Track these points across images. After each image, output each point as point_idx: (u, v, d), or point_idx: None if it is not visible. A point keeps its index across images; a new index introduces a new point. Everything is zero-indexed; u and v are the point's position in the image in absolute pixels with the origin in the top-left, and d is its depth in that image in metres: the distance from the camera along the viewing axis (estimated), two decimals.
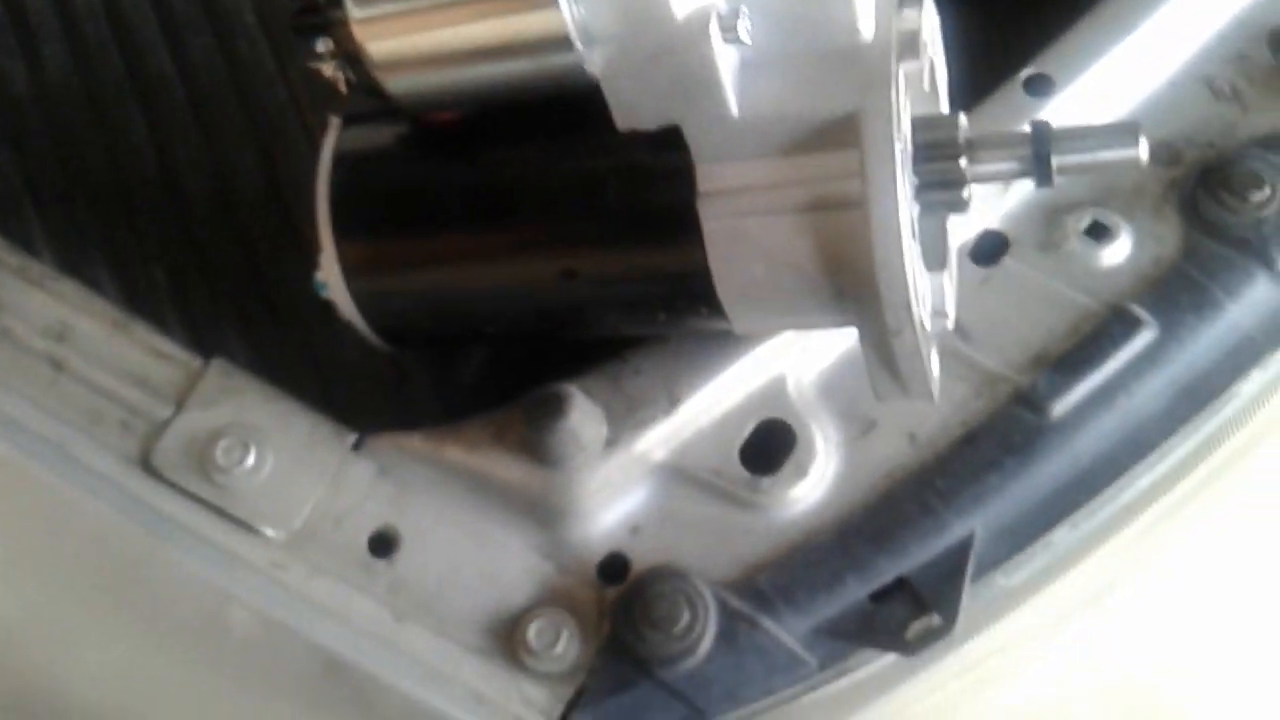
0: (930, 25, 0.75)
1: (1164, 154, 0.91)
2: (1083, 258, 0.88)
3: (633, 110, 0.68)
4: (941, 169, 0.72)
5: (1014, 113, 0.89)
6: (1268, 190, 0.86)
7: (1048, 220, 0.89)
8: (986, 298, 0.87)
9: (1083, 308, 0.86)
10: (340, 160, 0.78)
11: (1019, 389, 0.84)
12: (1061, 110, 0.90)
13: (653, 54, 0.65)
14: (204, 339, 0.94)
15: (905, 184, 0.66)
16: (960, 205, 0.74)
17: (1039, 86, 0.90)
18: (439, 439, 0.84)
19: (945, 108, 0.81)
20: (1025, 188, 0.90)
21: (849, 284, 0.70)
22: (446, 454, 0.83)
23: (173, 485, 0.82)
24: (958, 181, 0.72)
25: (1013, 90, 0.90)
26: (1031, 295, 0.87)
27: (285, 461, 0.83)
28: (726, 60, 0.66)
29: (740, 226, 0.70)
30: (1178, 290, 0.86)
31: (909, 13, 0.71)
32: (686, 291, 0.74)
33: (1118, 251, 0.88)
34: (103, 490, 0.82)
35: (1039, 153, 0.71)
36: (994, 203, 0.90)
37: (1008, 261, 0.88)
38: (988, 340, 0.86)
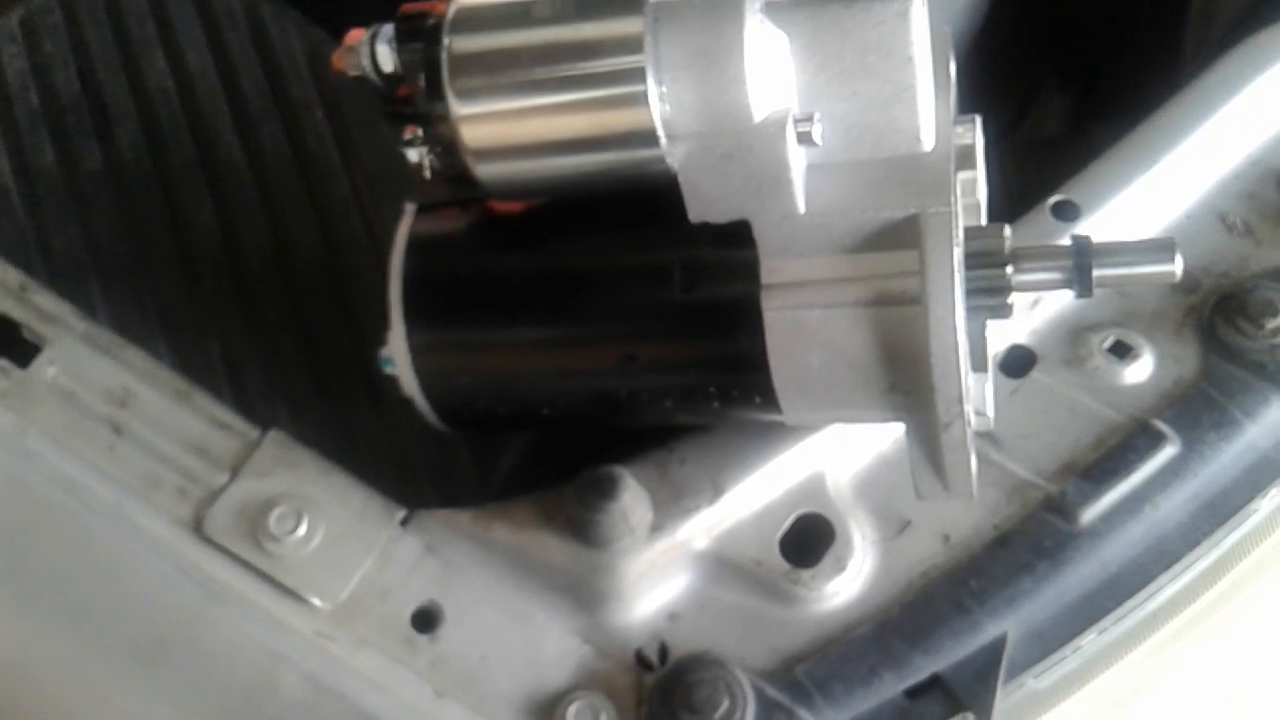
0: (979, 142, 0.81)
1: (1183, 281, 0.95)
2: (1107, 374, 0.92)
3: (707, 203, 0.73)
4: (988, 276, 0.76)
5: (1042, 234, 0.95)
6: None
7: (1073, 338, 0.94)
8: (1016, 408, 0.91)
9: (1108, 421, 0.90)
10: (414, 243, 0.82)
11: (1049, 496, 0.87)
12: (1086, 234, 0.95)
13: (730, 151, 0.70)
14: (256, 414, 0.96)
15: (961, 284, 0.70)
16: (1004, 311, 0.78)
17: (1066, 211, 0.96)
18: (487, 517, 0.86)
19: (985, 221, 0.86)
20: (1052, 305, 0.95)
21: (903, 377, 0.74)
22: (493, 532, 0.85)
23: (224, 551, 0.84)
24: (1003, 288, 0.77)
25: (1041, 214, 0.96)
26: (1059, 407, 0.91)
27: (335, 533, 0.85)
28: (798, 161, 0.71)
29: (800, 318, 0.74)
30: (1198, 409, 0.90)
31: (964, 127, 0.76)
32: (743, 381, 0.77)
33: (1140, 370, 0.92)
34: (156, 552, 0.84)
35: (1080, 264, 0.76)
36: (1022, 319, 0.94)
37: (1036, 375, 0.93)
38: (1019, 448, 0.89)
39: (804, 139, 0.70)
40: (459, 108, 0.73)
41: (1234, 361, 0.92)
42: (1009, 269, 0.76)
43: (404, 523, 0.86)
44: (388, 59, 0.76)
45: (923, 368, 0.71)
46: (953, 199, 0.70)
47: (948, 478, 0.77)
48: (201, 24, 1.07)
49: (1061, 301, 0.95)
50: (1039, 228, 0.95)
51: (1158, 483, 0.87)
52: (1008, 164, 1.28)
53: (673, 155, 0.71)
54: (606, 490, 0.81)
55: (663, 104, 0.70)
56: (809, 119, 0.70)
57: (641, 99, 0.70)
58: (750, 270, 0.74)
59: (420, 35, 0.74)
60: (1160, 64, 1.30)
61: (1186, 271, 0.96)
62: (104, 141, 1.04)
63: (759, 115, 0.69)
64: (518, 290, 0.81)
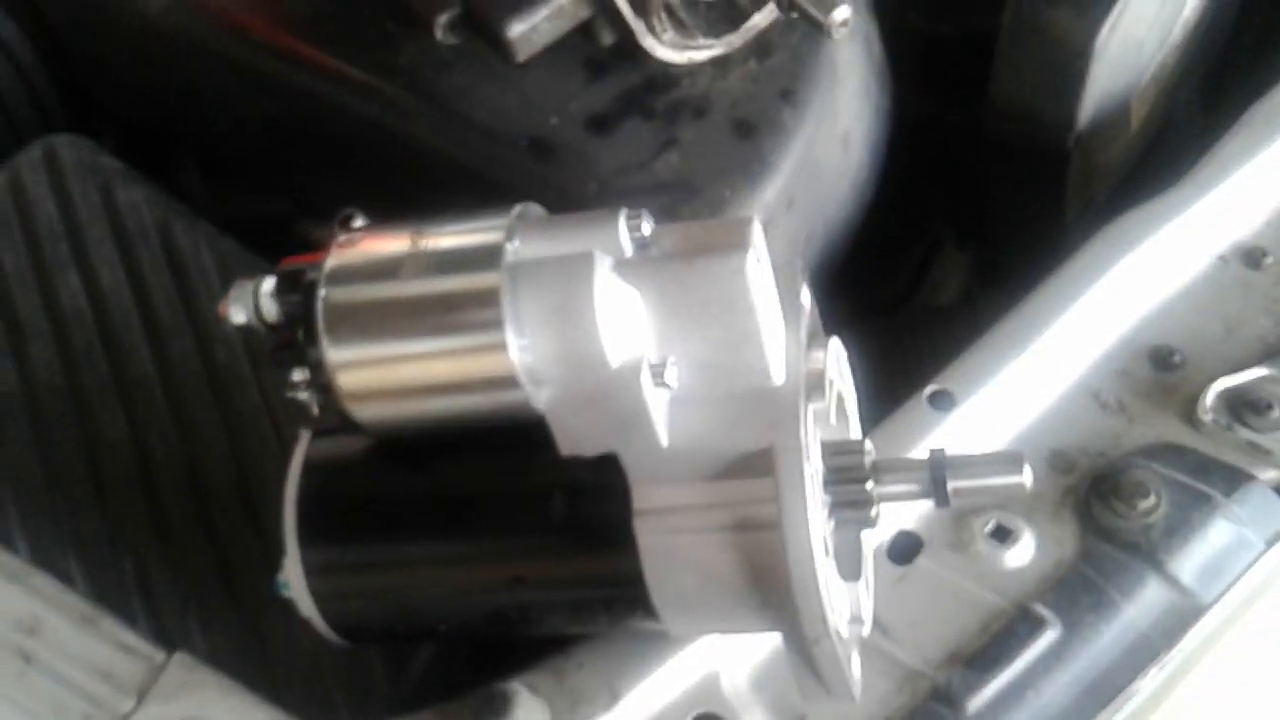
0: (836, 360, 0.85)
1: (1059, 462, 1.00)
2: (989, 558, 0.95)
3: (575, 440, 0.76)
4: (850, 491, 0.80)
5: (920, 425, 0.99)
6: (1153, 499, 0.95)
7: (956, 522, 0.97)
8: (904, 595, 0.94)
9: (992, 606, 0.93)
10: (307, 470, 0.85)
11: (936, 686, 0.89)
12: (963, 421, 1.00)
13: (591, 395, 0.74)
14: (167, 629, 0.98)
15: (817, 507, 0.74)
16: (869, 522, 0.82)
17: (941, 401, 1.00)
18: None
19: (856, 427, 0.90)
20: None
21: (771, 596, 0.77)
22: None
23: None
24: (865, 502, 0.80)
25: (918, 404, 1.00)
26: (945, 593, 0.94)
27: None
28: (657, 401, 0.75)
29: (672, 542, 0.77)
30: (1077, 591, 0.93)
31: (816, 354, 0.80)
32: (625, 597, 0.80)
33: (1021, 553, 0.95)
34: None
35: (936, 478, 0.80)
36: (908, 505, 0.98)
37: (921, 561, 0.96)
38: (907, 637, 0.92)
39: (659, 382, 0.74)
40: (334, 355, 0.77)
41: (1110, 542, 0.95)
42: (869, 484, 0.80)
43: None
44: (270, 309, 0.80)
45: (786, 590, 0.74)
46: (802, 430, 0.74)
47: (826, 685, 0.80)
48: (114, 242, 1.12)
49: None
50: (916, 418, 1.00)
51: (1040, 668, 0.90)
52: (903, 334, 1.34)
53: (537, 399, 0.75)
54: (499, 709, 0.84)
55: (523, 354, 0.74)
56: (663, 363, 0.74)
57: (503, 350, 0.74)
58: (624, 496, 0.78)
59: (298, 287, 0.79)
60: (1045, 223, 1.36)
61: (1062, 452, 1.01)
62: (19, 361, 1.07)
63: (615, 363, 0.73)
64: (407, 514, 0.84)
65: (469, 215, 0.79)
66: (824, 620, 0.75)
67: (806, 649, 0.77)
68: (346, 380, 0.77)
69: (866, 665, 0.88)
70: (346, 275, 0.78)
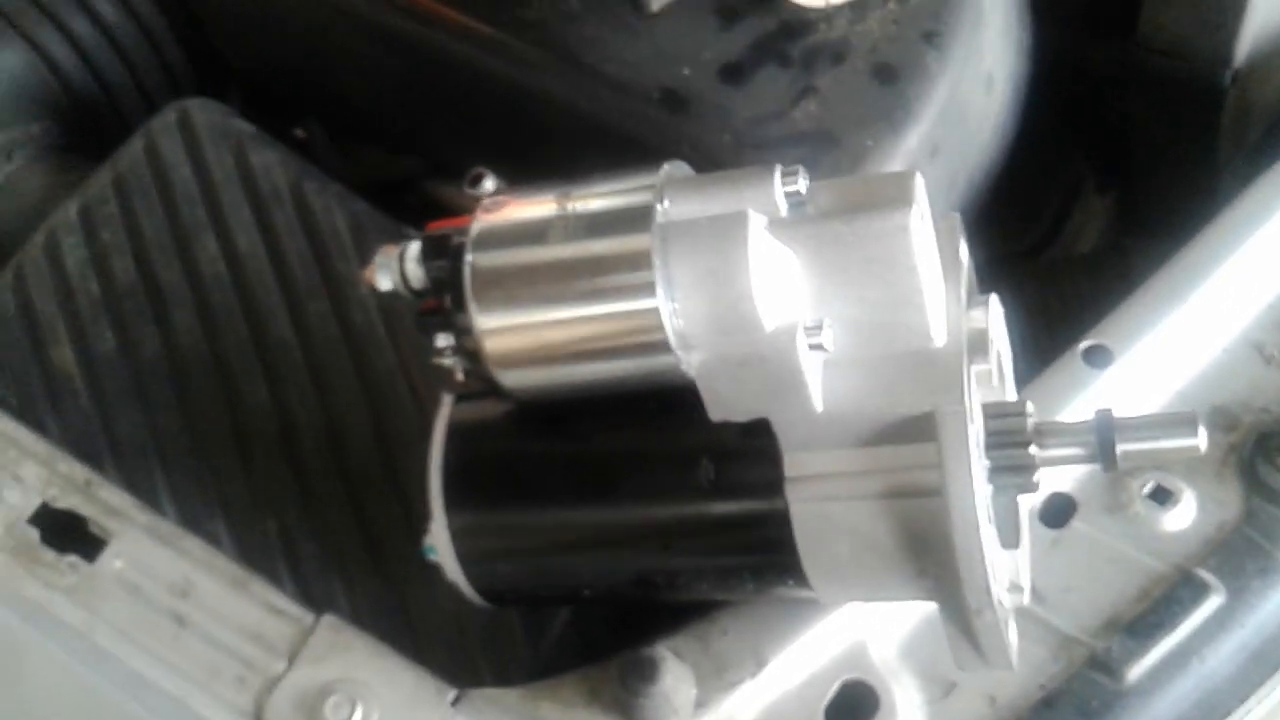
0: (996, 320, 0.82)
1: (1221, 420, 0.96)
2: (1148, 521, 0.91)
3: (725, 405, 0.75)
4: (1012, 455, 0.77)
5: (1074, 382, 0.95)
6: None
7: (1113, 484, 0.94)
8: (1057, 560, 0.91)
9: (1151, 571, 0.89)
10: (451, 435, 0.85)
11: (1094, 654, 0.87)
12: (1119, 379, 0.96)
13: (744, 359, 0.72)
14: (312, 590, 0.99)
15: (980, 475, 0.71)
16: (1030, 487, 0.79)
17: (1097, 357, 0.96)
18: (534, 696, 0.88)
19: (1012, 388, 0.87)
20: None
21: (930, 564, 0.74)
22: (541, 711, 0.87)
23: None
24: (1028, 467, 0.77)
25: (1073, 360, 0.96)
26: (1101, 558, 0.91)
27: (389, 717, 0.87)
28: (811, 365, 0.72)
29: (825, 510, 0.75)
30: (1242, 555, 0.89)
31: (976, 313, 0.77)
32: (774, 565, 0.79)
33: (1182, 516, 0.91)
34: None
35: (1103, 441, 0.76)
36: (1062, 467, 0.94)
37: (1076, 524, 0.92)
38: (1061, 603, 0.89)
39: (815, 346, 0.71)
40: (482, 321, 0.76)
41: (1276, 503, 0.91)
42: (1033, 448, 0.77)
43: (454, 703, 0.88)
44: (416, 275, 0.79)
45: (948, 558, 0.72)
46: (966, 394, 0.71)
47: (984, 654, 0.78)
48: (249, 205, 1.12)
49: None
50: (1070, 374, 0.96)
51: (1204, 635, 0.87)
52: (1045, 284, 1.29)
53: (688, 364, 0.73)
54: (648, 674, 0.83)
55: (675, 318, 0.72)
56: (819, 326, 0.71)
57: (654, 314, 0.72)
58: (775, 461, 0.76)
59: (445, 253, 0.78)
60: (1196, 166, 1.30)
61: (1225, 409, 0.97)
62: (162, 327, 1.08)
63: (769, 326, 0.71)
64: (553, 478, 0.84)
65: (614, 175, 0.77)
66: (987, 590, 0.72)
67: (966, 619, 0.75)
68: (495, 346, 0.76)
69: (1020, 633, 0.85)
70: (494, 240, 0.77)
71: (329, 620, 0.91)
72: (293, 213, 1.12)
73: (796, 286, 0.73)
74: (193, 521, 1.00)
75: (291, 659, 0.90)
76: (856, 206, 0.71)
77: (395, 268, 0.79)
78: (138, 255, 1.11)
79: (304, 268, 1.09)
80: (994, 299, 0.81)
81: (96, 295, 1.10)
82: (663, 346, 0.73)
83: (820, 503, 0.75)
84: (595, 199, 0.75)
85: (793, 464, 0.75)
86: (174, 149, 1.15)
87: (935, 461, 0.71)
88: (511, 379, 0.78)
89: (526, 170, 0.85)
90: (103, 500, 0.95)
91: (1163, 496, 0.92)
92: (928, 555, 0.74)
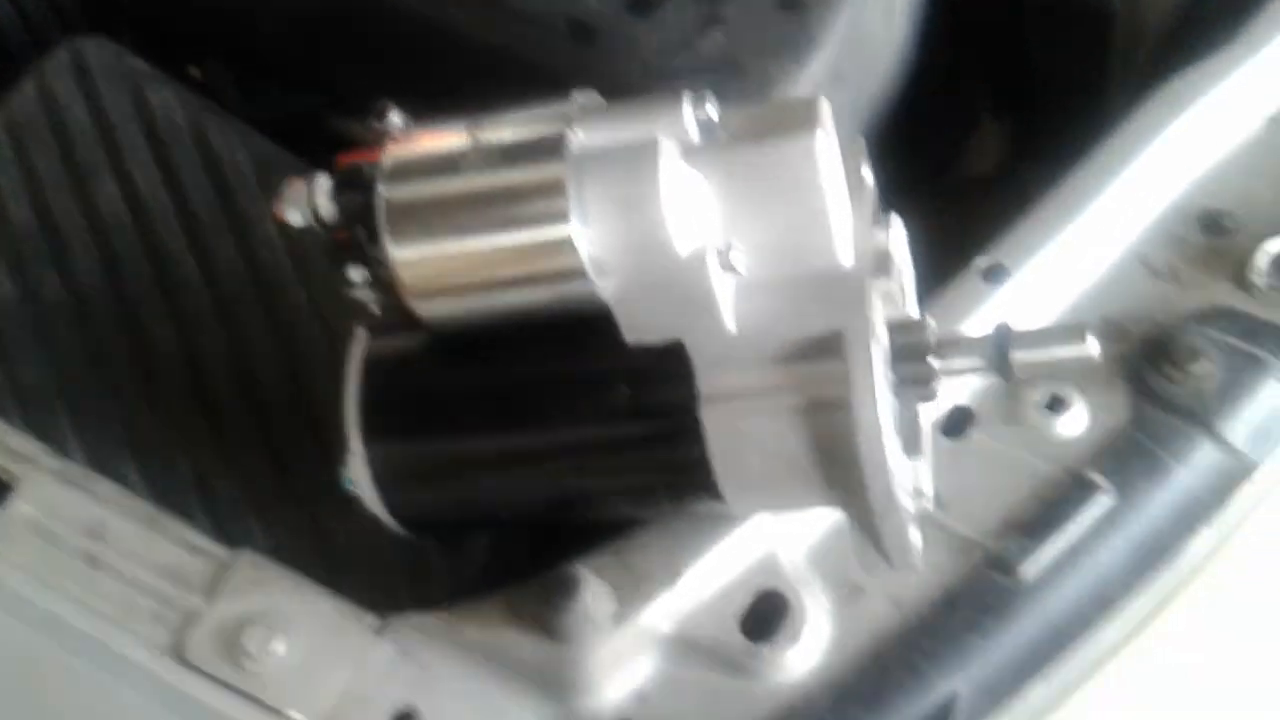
0: (898, 240, 0.84)
1: (1111, 330, 1.00)
2: (1042, 429, 0.95)
3: (640, 328, 0.76)
4: (915, 368, 0.80)
5: (973, 299, 0.98)
6: (1205, 362, 0.95)
7: (1009, 395, 0.97)
8: (958, 468, 0.95)
9: (1045, 475, 0.94)
10: (366, 366, 0.85)
11: (992, 554, 0.91)
12: (1015, 295, 0.99)
13: (657, 284, 0.74)
14: (227, 528, 1.00)
15: (885, 387, 0.74)
16: (931, 396, 0.82)
17: (994, 274, 0.99)
18: (456, 619, 0.90)
19: (915, 305, 0.90)
20: None
21: (838, 474, 0.77)
22: (464, 633, 0.89)
23: (205, 674, 0.87)
24: (929, 378, 0.81)
25: (971, 278, 0.99)
26: (998, 465, 0.94)
27: (312, 647, 0.87)
28: (723, 287, 0.74)
29: (738, 426, 0.78)
30: (1130, 457, 0.94)
31: (880, 233, 0.80)
32: (690, 481, 0.81)
33: (1074, 423, 0.96)
34: (139, 681, 0.87)
35: (1000, 352, 0.80)
36: (960, 380, 0.98)
37: (975, 434, 0.96)
38: (961, 509, 0.93)
39: (726, 268, 0.73)
40: (397, 252, 0.77)
41: (1163, 407, 0.96)
42: (933, 360, 0.80)
43: (378, 630, 0.90)
44: (327, 209, 0.79)
45: (855, 466, 0.75)
46: (870, 311, 0.74)
47: (890, 557, 0.82)
48: (149, 145, 1.10)
49: None
50: (969, 292, 0.99)
51: (1094, 533, 0.91)
52: (942, 206, 1.32)
53: (603, 289, 0.75)
54: (567, 591, 0.85)
55: (590, 245, 0.73)
56: (730, 249, 0.73)
57: (568, 242, 0.73)
58: (689, 381, 0.78)
59: (357, 186, 0.78)
60: (1089, 88, 1.34)
61: (1114, 321, 1.01)
62: (62, 270, 1.07)
63: (683, 251, 0.73)
64: (470, 406, 0.85)
65: (526, 105, 0.78)
66: (891, 495, 0.75)
67: (872, 523, 0.78)
68: (410, 277, 0.77)
69: (924, 537, 0.89)
70: (406, 171, 0.77)
71: (247, 556, 0.91)
72: (194, 151, 1.10)
73: (708, 211, 0.74)
74: (103, 465, 1.00)
75: (210, 595, 0.90)
76: (765, 131, 0.73)
77: (305, 202, 0.79)
78: (34, 199, 1.09)
79: (208, 207, 1.08)
80: (896, 219, 0.83)
81: None
82: (578, 273, 0.75)
83: (733, 419, 0.78)
84: (507, 128, 0.76)
85: (707, 382, 0.78)
86: (68, 89, 1.12)
87: (843, 377, 0.74)
88: (428, 309, 0.79)
89: (433, 105, 0.85)
90: (8, 446, 0.94)
91: (1056, 405, 0.96)
92: (836, 465, 0.77)
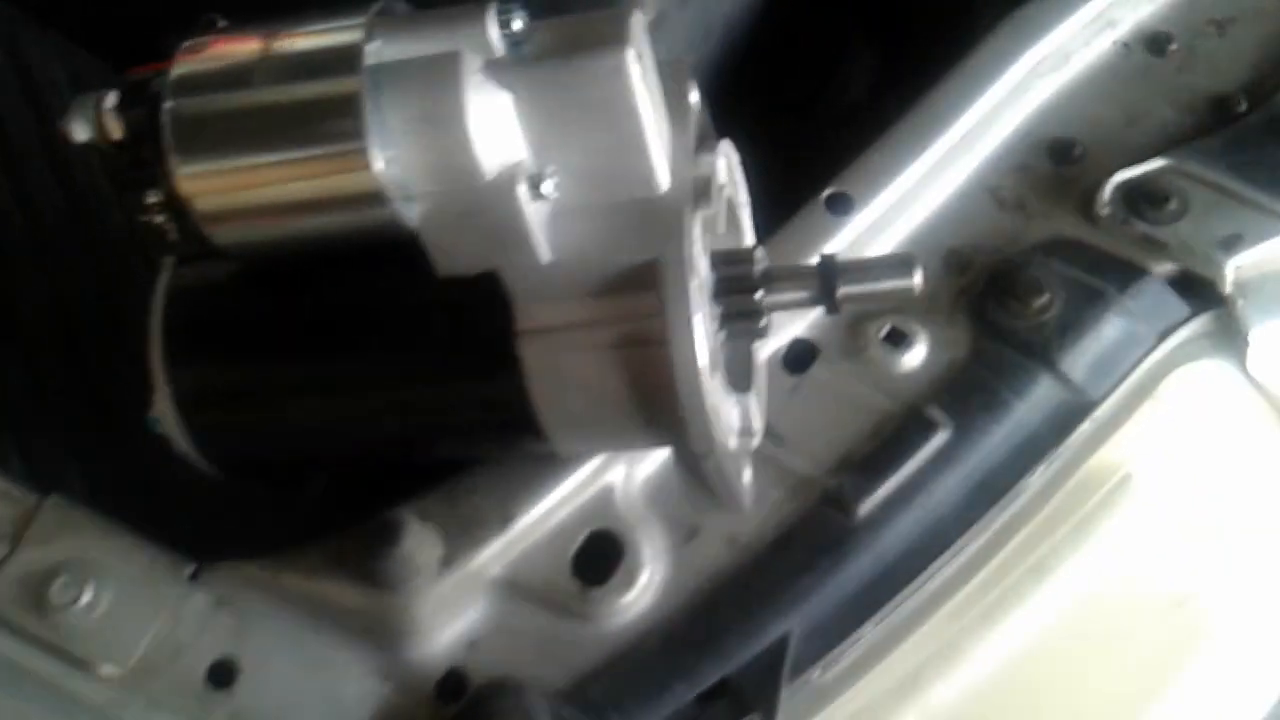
0: (728, 165, 0.81)
1: (955, 262, 0.99)
2: (883, 363, 0.94)
3: (450, 258, 0.73)
4: (740, 301, 0.78)
5: (817, 229, 0.96)
6: (1047, 296, 0.94)
7: (851, 328, 0.96)
8: (797, 404, 0.93)
9: (884, 411, 0.92)
10: (172, 299, 0.81)
11: (827, 491, 0.89)
12: (861, 224, 0.97)
13: (465, 210, 0.70)
14: (40, 469, 0.94)
15: (703, 321, 0.72)
16: (759, 333, 0.80)
17: (840, 205, 0.97)
18: (277, 566, 0.86)
19: (749, 234, 0.87)
20: None
21: (660, 413, 0.75)
22: (284, 581, 0.86)
23: (7, 625, 0.83)
24: (755, 312, 0.78)
25: (816, 209, 0.97)
26: (838, 400, 0.93)
27: (123, 596, 0.84)
28: (535, 214, 0.71)
29: (557, 361, 0.75)
30: (969, 392, 0.93)
31: (705, 159, 0.77)
32: (512, 419, 0.78)
33: (915, 356, 0.94)
34: None
35: (825, 285, 0.78)
36: (803, 314, 0.96)
37: (816, 369, 0.95)
38: (799, 445, 0.92)
39: (536, 194, 0.70)
40: (184, 171, 0.72)
41: (1004, 341, 0.95)
42: (759, 294, 0.78)
43: (193, 577, 0.86)
44: (114, 126, 0.73)
45: (673, 406, 0.72)
46: (687, 242, 0.71)
47: (717, 497, 0.80)
48: None
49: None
50: (814, 222, 0.97)
51: (930, 470, 0.90)
52: (808, 137, 1.30)
53: (407, 215, 0.71)
54: (389, 537, 0.82)
55: (389, 166, 0.69)
56: (541, 174, 0.70)
57: (365, 161, 0.69)
58: (506, 311, 0.74)
59: (143, 100, 0.73)
60: (959, 9, 1.31)
61: (959, 251, 1.00)
62: None
63: (489, 174, 0.69)
64: (281, 341, 0.81)
65: (327, 14, 0.73)
66: (710, 436, 0.73)
67: (695, 464, 0.76)
68: (200, 199, 0.72)
69: (760, 474, 0.88)
70: (194, 84, 0.72)
71: (55, 500, 0.87)
72: (7, 65, 1.03)
73: (517, 132, 0.71)
74: None
75: (15, 542, 0.86)
76: (573, 46, 0.69)
77: (91, 116, 0.74)
78: None
79: (20, 127, 1.01)
80: (725, 144, 0.80)
81: None
82: (378, 198, 0.70)
83: (552, 354, 0.74)
84: (301, 38, 0.71)
85: (523, 315, 0.74)
86: None
87: (658, 310, 0.71)
88: (222, 235, 0.74)
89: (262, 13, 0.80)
90: None
91: (897, 339, 0.95)
92: (658, 404, 0.74)
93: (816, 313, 0.96)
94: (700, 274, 0.73)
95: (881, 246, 0.98)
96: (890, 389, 0.93)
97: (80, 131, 0.74)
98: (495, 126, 0.69)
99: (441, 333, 0.77)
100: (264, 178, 0.71)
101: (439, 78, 0.67)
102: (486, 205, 0.69)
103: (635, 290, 0.72)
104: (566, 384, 0.75)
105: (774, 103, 1.38)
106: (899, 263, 0.78)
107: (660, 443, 0.78)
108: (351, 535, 0.85)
